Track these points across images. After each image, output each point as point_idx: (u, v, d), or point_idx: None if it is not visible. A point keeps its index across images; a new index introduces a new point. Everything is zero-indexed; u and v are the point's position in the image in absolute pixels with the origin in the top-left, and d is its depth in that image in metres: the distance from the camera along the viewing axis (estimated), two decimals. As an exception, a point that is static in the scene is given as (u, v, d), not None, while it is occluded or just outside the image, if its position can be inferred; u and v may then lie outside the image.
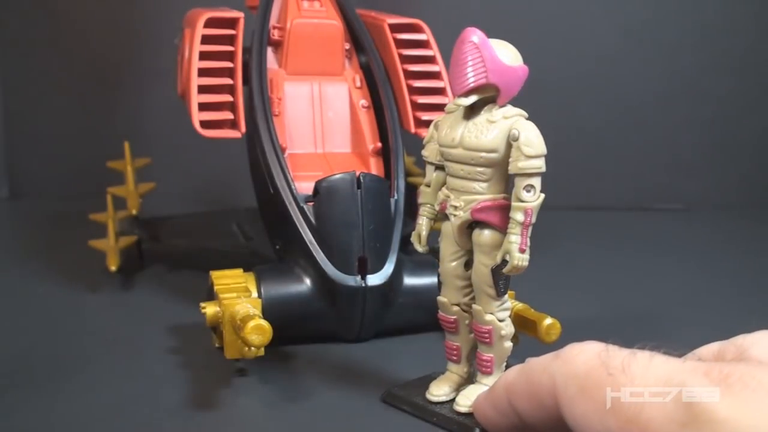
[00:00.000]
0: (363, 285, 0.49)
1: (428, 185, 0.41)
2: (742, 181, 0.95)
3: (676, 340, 0.31)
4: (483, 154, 0.37)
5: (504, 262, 0.37)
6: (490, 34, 0.38)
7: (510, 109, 0.38)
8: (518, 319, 0.46)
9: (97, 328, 0.55)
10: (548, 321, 0.44)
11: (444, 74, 0.60)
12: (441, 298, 0.41)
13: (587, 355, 0.30)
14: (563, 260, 0.72)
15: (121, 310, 0.59)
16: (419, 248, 0.42)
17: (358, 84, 0.60)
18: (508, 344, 0.40)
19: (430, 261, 0.50)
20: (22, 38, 0.91)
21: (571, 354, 0.30)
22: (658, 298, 0.62)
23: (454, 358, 0.42)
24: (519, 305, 0.47)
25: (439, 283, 0.41)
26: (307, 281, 0.51)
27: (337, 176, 0.50)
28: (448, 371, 0.42)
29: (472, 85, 0.37)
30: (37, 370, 0.47)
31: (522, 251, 0.37)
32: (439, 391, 0.41)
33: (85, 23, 0.91)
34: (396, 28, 0.61)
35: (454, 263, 0.40)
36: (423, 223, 0.42)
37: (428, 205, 0.41)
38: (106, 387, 0.45)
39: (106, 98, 0.92)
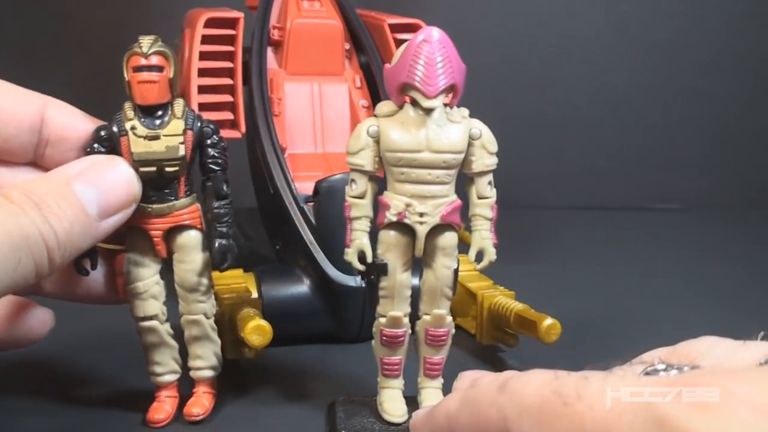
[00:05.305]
0: (363, 285, 0.49)
1: (361, 197, 0.37)
2: (741, 181, 0.95)
3: (675, 340, 0.31)
4: (453, 156, 0.36)
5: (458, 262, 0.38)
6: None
7: (462, 109, 0.37)
8: (518, 320, 0.46)
9: (97, 328, 0.55)
10: (548, 321, 0.44)
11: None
12: (394, 313, 0.38)
13: (536, 385, 0.27)
14: (563, 260, 0.72)
15: (121, 310, 0.59)
16: (361, 266, 0.37)
17: (358, 84, 0.60)
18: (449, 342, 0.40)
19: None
20: (21, 38, 0.91)
21: (517, 385, 0.28)
22: (657, 298, 0.62)
23: (397, 372, 0.40)
24: (519, 306, 0.47)
25: (374, 299, 0.38)
26: (307, 281, 0.51)
27: (337, 176, 0.50)
28: (388, 388, 0.40)
29: (446, 85, 0.35)
30: (37, 370, 0.47)
31: (495, 246, 0.37)
32: (398, 411, 0.39)
33: (85, 23, 0.91)
34: (396, 28, 0.61)
35: (405, 274, 0.38)
36: (363, 239, 0.37)
37: (365, 218, 0.38)
38: (106, 387, 0.45)
39: (106, 98, 0.92)
